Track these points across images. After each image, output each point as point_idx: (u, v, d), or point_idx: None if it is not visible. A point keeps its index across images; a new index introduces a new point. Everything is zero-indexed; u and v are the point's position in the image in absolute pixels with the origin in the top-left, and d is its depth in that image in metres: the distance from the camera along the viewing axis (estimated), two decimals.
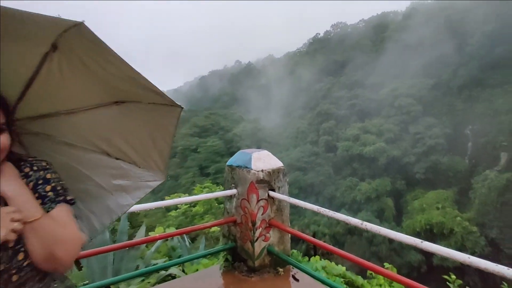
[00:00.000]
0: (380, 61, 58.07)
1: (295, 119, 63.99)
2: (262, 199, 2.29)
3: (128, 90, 1.17)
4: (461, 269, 30.67)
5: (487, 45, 38.66)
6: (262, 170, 2.30)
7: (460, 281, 3.85)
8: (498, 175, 31.63)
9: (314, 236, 8.44)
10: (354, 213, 37.33)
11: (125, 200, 1.33)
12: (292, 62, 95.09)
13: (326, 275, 4.45)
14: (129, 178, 1.33)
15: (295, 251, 7.10)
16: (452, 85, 42.93)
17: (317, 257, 4.79)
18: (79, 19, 0.83)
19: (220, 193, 2.43)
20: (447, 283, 3.95)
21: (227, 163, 2.52)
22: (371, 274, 6.56)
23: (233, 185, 2.43)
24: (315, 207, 1.96)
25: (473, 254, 29.23)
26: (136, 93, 1.18)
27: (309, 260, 6.20)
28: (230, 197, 2.46)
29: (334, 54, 73.06)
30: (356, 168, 43.83)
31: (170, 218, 8.13)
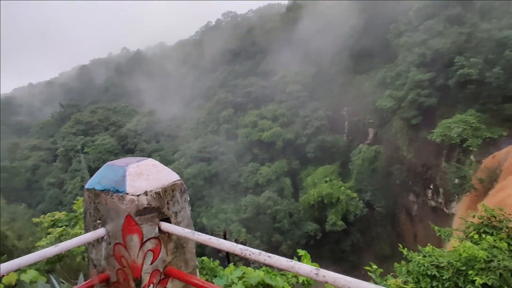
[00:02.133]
0: (269, 50, 61.44)
1: (193, 109, 62.14)
2: (149, 239, 1.43)
3: None
4: (347, 230, 36.08)
5: (354, 36, 45.34)
6: (145, 193, 1.42)
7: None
8: (368, 148, 37.91)
9: (225, 235, 7.89)
10: (258, 195, 39.16)
11: None
12: (186, 50, 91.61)
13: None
14: None
15: (205, 258, 6.38)
16: (330, 72, 48.89)
17: (231, 266, 4.18)
18: None
19: (75, 241, 1.46)
20: None
21: (86, 186, 1.55)
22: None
23: (98, 221, 1.50)
24: (237, 248, 1.23)
25: (355, 216, 34.45)
26: None
27: (223, 267, 5.61)
28: (98, 241, 1.53)
29: (227, 43, 73.50)
30: (257, 153, 45.78)
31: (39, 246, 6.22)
